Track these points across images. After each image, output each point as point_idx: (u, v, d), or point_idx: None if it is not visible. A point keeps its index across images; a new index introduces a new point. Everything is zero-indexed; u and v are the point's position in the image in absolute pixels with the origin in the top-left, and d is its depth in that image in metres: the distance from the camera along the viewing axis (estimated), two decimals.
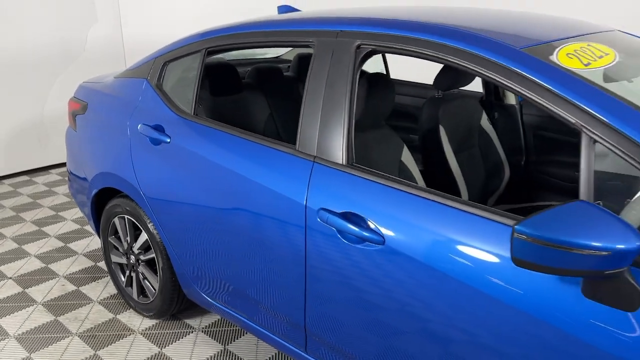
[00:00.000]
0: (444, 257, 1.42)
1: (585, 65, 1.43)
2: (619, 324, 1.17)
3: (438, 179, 2.39)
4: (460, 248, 1.39)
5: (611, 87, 1.69)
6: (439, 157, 2.39)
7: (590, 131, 1.25)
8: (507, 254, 1.30)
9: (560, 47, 1.50)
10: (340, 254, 1.64)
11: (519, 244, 1.11)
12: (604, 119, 1.24)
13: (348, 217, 1.61)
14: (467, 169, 2.46)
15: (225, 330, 2.59)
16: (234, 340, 2.51)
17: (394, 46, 1.65)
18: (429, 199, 1.48)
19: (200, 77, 2.23)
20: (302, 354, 1.94)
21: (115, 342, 2.51)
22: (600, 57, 1.52)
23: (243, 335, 2.54)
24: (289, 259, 1.81)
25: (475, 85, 2.70)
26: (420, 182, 2.19)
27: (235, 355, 2.40)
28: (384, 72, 3.22)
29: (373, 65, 3.13)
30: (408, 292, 1.50)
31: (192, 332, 2.59)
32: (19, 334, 2.57)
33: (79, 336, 2.56)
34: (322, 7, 2.49)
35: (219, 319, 2.68)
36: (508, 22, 1.79)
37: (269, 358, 2.39)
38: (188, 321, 2.68)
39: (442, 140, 2.39)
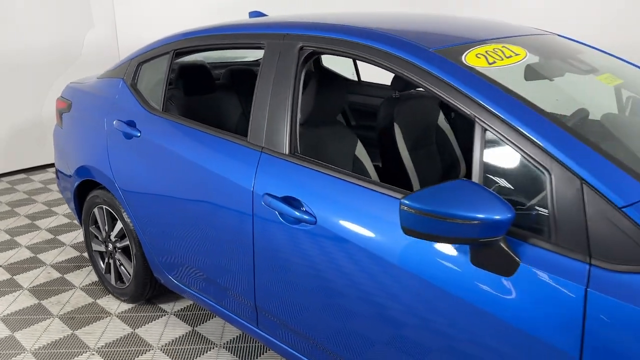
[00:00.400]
0: (361, 233, 1.59)
1: (490, 64, 1.60)
2: (498, 288, 1.33)
3: (392, 174, 2.56)
4: (373, 223, 1.56)
5: (533, 84, 1.87)
6: (393, 153, 2.57)
7: (482, 121, 1.42)
8: None
9: (473, 48, 1.68)
10: (281, 234, 1.82)
11: (405, 215, 1.28)
12: (494, 110, 1.41)
13: (288, 200, 1.79)
14: (423, 165, 2.62)
15: (196, 313, 2.77)
16: (203, 323, 2.69)
17: (330, 48, 1.83)
18: (352, 182, 1.65)
19: (168, 76, 2.42)
20: (255, 329, 2.12)
21: (92, 324, 2.70)
22: (509, 57, 1.69)
23: (212, 318, 2.72)
24: (240, 241, 1.98)
25: None
26: (374, 175, 2.36)
27: (202, 336, 2.58)
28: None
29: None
30: (335, 266, 1.67)
31: (164, 315, 2.77)
32: (3, 316, 2.76)
33: (59, 318, 2.75)
34: (291, 11, 2.68)
35: (191, 304, 2.85)
36: (439, 26, 1.97)
37: (233, 339, 2.56)
38: (162, 305, 2.86)
39: (396, 138, 2.56)
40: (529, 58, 1.75)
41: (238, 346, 2.50)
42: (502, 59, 1.66)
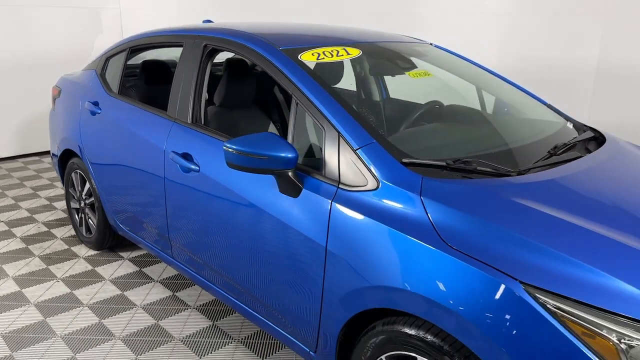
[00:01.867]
0: (222, 174, 2.24)
1: (317, 59, 2.25)
2: (290, 205, 1.96)
3: None
4: (226, 169, 2.21)
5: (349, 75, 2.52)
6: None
7: (294, 96, 2.07)
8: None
9: (314, 48, 2.32)
10: (179, 180, 2.49)
11: (228, 154, 1.93)
12: (301, 88, 2.05)
13: (184, 156, 2.46)
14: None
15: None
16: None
17: (220, 45, 2.51)
18: (219, 139, 2.31)
19: (124, 66, 3.14)
20: (170, 258, 2.79)
21: (62, 262, 3.41)
22: (340, 55, 2.34)
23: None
24: (157, 188, 2.66)
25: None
26: None
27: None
28: None
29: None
30: (211, 201, 2.33)
31: (121, 259, 3.47)
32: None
33: (39, 257, 3.47)
34: (242, 19, 3.37)
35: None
36: (306, 33, 2.63)
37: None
38: (121, 253, 3.56)
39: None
40: (358, 57, 2.39)
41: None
42: (332, 57, 2.30)
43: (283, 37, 2.43)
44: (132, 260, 3.45)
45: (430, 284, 1.54)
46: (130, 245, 3.61)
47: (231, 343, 2.60)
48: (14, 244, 3.68)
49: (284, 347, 2.55)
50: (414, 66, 2.63)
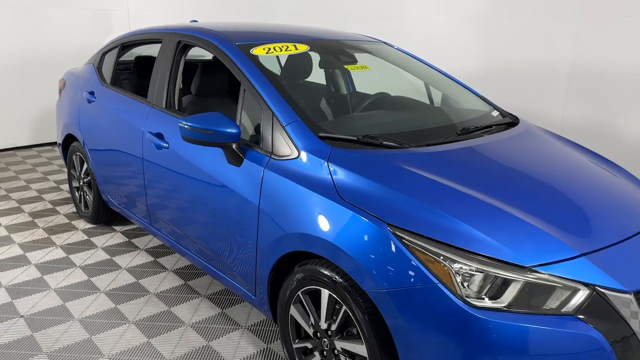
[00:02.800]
0: (183, 148, 2.67)
1: (266, 52, 2.66)
2: (235, 174, 2.37)
3: None
4: (189, 146, 2.63)
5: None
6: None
7: (244, 84, 2.47)
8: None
9: (266, 44, 2.73)
10: (154, 156, 2.92)
11: (182, 129, 2.34)
12: (249, 79, 2.46)
13: (158, 135, 2.89)
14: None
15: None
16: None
17: (189, 41, 2.93)
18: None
19: (116, 60, 3.60)
20: (150, 226, 3.22)
21: (62, 233, 3.88)
22: (289, 50, 2.74)
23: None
24: (137, 165, 3.09)
25: None
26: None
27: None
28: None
29: None
30: (178, 174, 2.75)
31: (113, 232, 3.92)
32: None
33: (42, 229, 3.95)
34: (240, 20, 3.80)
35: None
36: (268, 31, 3.04)
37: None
38: (115, 226, 4.01)
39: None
40: (303, 52, 2.80)
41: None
42: (281, 51, 2.71)
43: (241, 35, 2.85)
44: (124, 233, 3.90)
45: (329, 230, 1.93)
46: (124, 220, 4.06)
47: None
48: (22, 218, 4.16)
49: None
50: (355, 60, 3.03)
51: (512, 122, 2.78)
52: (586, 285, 1.68)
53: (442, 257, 1.68)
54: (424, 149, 2.21)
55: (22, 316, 2.80)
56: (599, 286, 1.69)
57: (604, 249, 1.80)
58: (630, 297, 1.71)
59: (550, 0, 5.69)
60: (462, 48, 6.74)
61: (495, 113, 2.92)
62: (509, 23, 6.16)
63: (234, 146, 2.34)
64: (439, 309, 1.66)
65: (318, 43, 3.00)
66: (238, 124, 2.45)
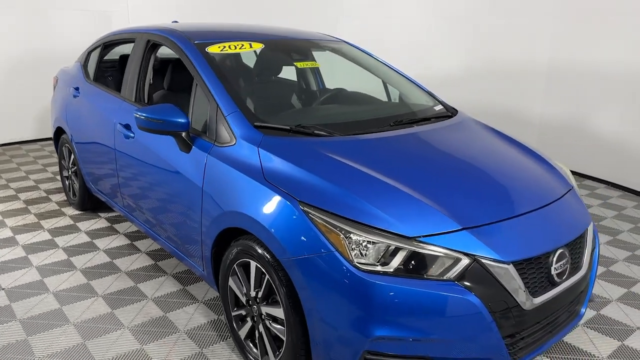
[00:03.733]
0: (147, 138, 2.94)
1: (221, 50, 2.91)
2: (185, 159, 2.63)
3: None
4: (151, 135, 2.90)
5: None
6: None
7: (196, 79, 2.73)
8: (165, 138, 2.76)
9: (222, 43, 2.98)
10: (123, 145, 3.20)
11: (137, 119, 2.61)
12: (200, 74, 2.72)
13: (126, 126, 3.17)
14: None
15: (120, 219, 4.18)
16: (120, 223, 4.10)
17: (156, 40, 3.20)
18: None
19: (99, 59, 3.89)
20: (121, 208, 3.51)
21: (51, 218, 4.19)
22: (244, 48, 3.00)
23: (127, 221, 4.12)
24: (111, 153, 3.38)
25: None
26: None
27: (114, 229, 3.98)
28: None
29: None
30: (142, 161, 3.02)
31: (98, 217, 4.22)
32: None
33: (34, 214, 4.27)
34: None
35: (118, 214, 4.27)
36: (228, 31, 3.29)
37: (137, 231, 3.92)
38: (100, 213, 4.32)
39: None
40: (257, 49, 3.05)
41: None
42: (235, 49, 2.97)
43: (202, 34, 3.11)
44: (107, 219, 4.20)
45: (254, 208, 2.18)
46: (109, 208, 4.36)
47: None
48: (17, 204, 4.49)
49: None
50: (306, 58, 3.28)
51: (450, 115, 3.00)
52: (467, 255, 1.90)
53: (339, 229, 1.92)
54: (349, 138, 2.44)
55: (3, 289, 3.10)
56: (479, 256, 1.90)
57: (490, 224, 2.02)
58: (508, 267, 1.92)
59: (529, 1, 5.85)
60: (445, 49, 6.93)
61: (438, 107, 3.13)
62: (490, 24, 6.33)
63: (183, 134, 2.61)
64: (335, 273, 1.90)
65: (274, 42, 3.25)
66: (190, 115, 2.71)
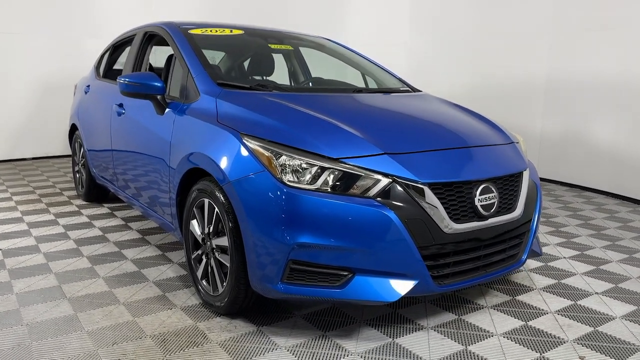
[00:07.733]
0: (137, 112, 3.25)
1: (202, 32, 3.24)
2: (159, 121, 2.91)
3: None
4: (134, 107, 3.21)
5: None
6: None
7: (175, 53, 3.05)
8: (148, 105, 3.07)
9: (205, 29, 3.32)
10: (117, 122, 3.52)
11: (120, 84, 2.93)
12: (178, 46, 3.04)
13: (120, 105, 3.51)
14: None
15: (124, 207, 4.46)
16: (121, 210, 4.38)
17: (153, 31, 3.57)
18: None
19: (109, 59, 4.32)
20: (118, 189, 3.80)
21: (59, 206, 4.52)
22: (222, 32, 3.32)
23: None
24: (107, 134, 3.71)
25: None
26: None
27: (114, 214, 4.27)
28: None
29: None
30: (131, 131, 3.33)
31: (102, 207, 4.53)
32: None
33: (45, 204, 4.61)
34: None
35: (120, 205, 4.57)
36: (217, 23, 3.64)
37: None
38: (105, 204, 4.62)
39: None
40: (236, 34, 3.37)
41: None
42: (216, 32, 3.30)
43: (190, 23, 3.46)
44: (110, 208, 4.50)
45: (206, 146, 2.41)
46: (113, 201, 4.66)
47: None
48: (32, 196, 4.86)
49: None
50: (280, 43, 3.57)
51: (412, 91, 3.20)
52: (386, 175, 2.06)
53: (270, 151, 2.12)
54: (302, 93, 2.68)
55: (0, 249, 3.40)
56: (397, 177, 2.06)
57: (411, 153, 2.18)
58: (424, 187, 2.07)
59: (526, 18, 6.09)
60: (449, 68, 7.18)
61: (404, 88, 3.35)
62: (491, 42, 6.56)
63: (158, 97, 2.90)
64: (265, 190, 2.09)
65: (254, 30, 3.58)
66: (168, 85, 3.00)
